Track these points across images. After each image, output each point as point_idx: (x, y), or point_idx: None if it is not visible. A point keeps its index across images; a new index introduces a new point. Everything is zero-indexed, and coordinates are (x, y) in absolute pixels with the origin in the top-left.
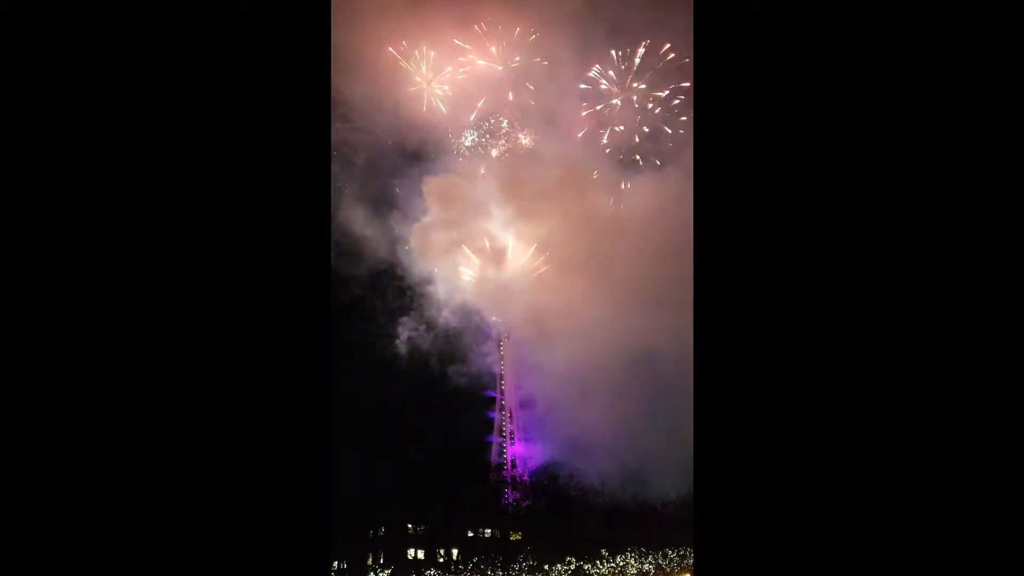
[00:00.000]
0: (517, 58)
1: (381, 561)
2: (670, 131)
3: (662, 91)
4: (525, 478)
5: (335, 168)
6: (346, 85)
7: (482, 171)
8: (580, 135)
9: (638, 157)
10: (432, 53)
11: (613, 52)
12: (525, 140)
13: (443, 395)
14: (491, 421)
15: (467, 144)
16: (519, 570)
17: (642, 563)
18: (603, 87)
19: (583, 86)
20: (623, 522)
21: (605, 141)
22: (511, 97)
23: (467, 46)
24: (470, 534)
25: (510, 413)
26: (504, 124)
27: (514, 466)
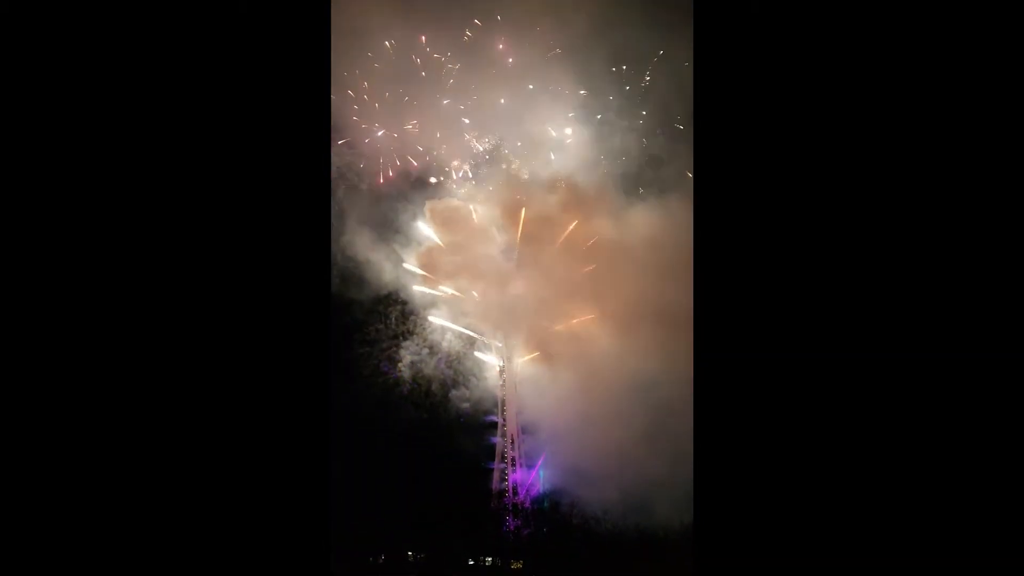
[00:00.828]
0: (531, 86)
1: None
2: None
3: (670, 121)
4: (527, 505)
5: (339, 193)
6: (351, 109)
7: (485, 195)
8: (582, 161)
9: (641, 190)
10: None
11: (614, 70)
12: (528, 166)
13: (445, 420)
14: (492, 447)
15: (471, 174)
16: None
17: None
18: (603, 116)
19: (570, 114)
20: (625, 551)
21: (607, 169)
22: (514, 124)
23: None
24: (471, 562)
25: (512, 439)
26: (506, 150)
27: (515, 493)
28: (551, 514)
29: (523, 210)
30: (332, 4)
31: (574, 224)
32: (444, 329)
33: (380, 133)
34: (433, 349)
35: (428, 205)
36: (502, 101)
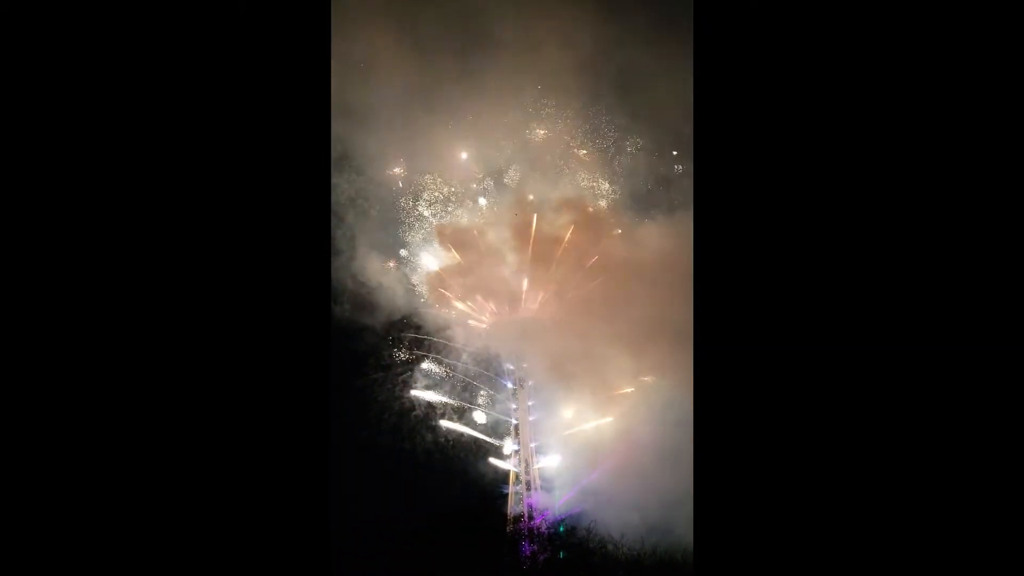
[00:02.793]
0: (533, 109)
1: None
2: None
3: (676, 140)
4: (543, 530)
5: (349, 218)
6: (360, 137)
7: (494, 217)
8: (591, 180)
9: (646, 220)
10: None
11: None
12: (537, 187)
13: (460, 444)
14: (508, 471)
15: (481, 200)
16: None
17: None
18: (612, 135)
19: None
20: (644, 574)
21: (617, 188)
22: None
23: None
24: None
25: (527, 462)
26: (514, 171)
27: (531, 517)
28: (568, 538)
29: (533, 231)
30: (339, 34)
31: (584, 243)
32: (459, 352)
33: (386, 152)
34: (448, 372)
35: (437, 228)
36: (523, 128)
